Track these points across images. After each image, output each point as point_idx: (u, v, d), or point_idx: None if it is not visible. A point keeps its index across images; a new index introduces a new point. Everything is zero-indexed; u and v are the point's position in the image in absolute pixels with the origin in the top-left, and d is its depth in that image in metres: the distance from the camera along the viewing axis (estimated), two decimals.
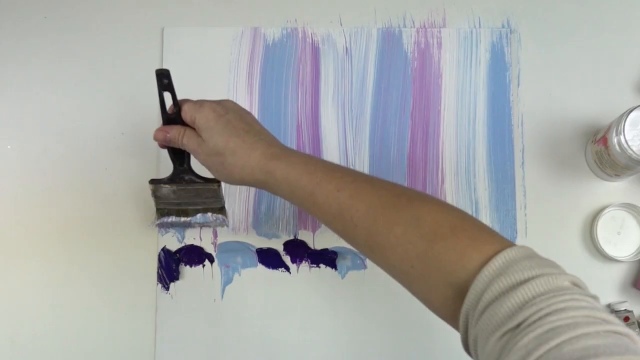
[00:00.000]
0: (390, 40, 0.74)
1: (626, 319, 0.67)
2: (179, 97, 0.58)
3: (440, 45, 0.74)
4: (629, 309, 0.68)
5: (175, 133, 0.58)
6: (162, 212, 0.67)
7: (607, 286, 0.70)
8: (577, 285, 0.42)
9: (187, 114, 0.57)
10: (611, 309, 0.68)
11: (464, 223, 0.46)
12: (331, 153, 0.72)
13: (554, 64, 0.74)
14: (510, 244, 0.44)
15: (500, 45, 0.74)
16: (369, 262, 0.70)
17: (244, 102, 0.73)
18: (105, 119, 0.74)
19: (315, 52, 0.74)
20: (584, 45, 0.74)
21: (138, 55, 0.75)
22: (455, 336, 0.69)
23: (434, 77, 0.74)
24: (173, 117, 0.58)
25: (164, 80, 0.57)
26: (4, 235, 0.71)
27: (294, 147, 0.72)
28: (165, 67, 0.74)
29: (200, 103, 0.57)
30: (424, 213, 0.46)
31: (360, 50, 0.74)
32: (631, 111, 0.62)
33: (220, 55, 0.75)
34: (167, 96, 0.58)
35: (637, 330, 0.66)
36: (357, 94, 0.73)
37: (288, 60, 0.74)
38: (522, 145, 0.72)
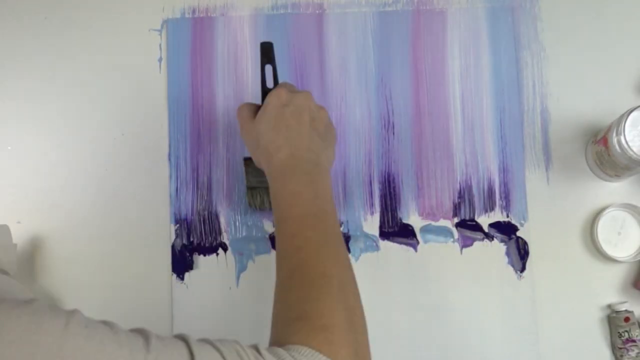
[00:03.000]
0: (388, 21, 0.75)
1: (626, 319, 0.67)
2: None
3: (443, 53, 0.74)
4: (629, 309, 0.68)
5: (245, 108, 0.60)
6: (250, 190, 0.68)
7: (607, 286, 0.70)
8: None
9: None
10: (611, 309, 0.68)
11: (339, 330, 0.46)
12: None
13: (554, 64, 0.74)
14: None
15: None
16: (381, 244, 0.70)
17: (248, 82, 0.74)
18: (105, 119, 0.74)
19: (320, 28, 0.75)
20: (584, 45, 0.74)
21: (138, 55, 0.75)
22: (470, 318, 0.70)
23: (441, 86, 0.74)
24: (270, 91, 0.59)
25: (269, 53, 0.59)
26: None
27: None
28: (167, 61, 0.74)
29: (279, 86, 0.59)
30: (322, 300, 0.47)
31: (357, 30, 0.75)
32: (631, 111, 0.62)
33: (221, 44, 0.75)
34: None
35: (637, 330, 0.66)
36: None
37: (287, 39, 0.74)
38: (522, 145, 0.72)
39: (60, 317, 0.35)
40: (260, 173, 0.63)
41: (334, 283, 0.49)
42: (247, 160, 0.67)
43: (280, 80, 0.62)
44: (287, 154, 0.55)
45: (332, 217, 0.55)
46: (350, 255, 0.71)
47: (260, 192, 0.68)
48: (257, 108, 0.60)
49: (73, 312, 0.36)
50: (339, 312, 0.47)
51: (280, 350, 0.43)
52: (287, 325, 0.47)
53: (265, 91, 0.61)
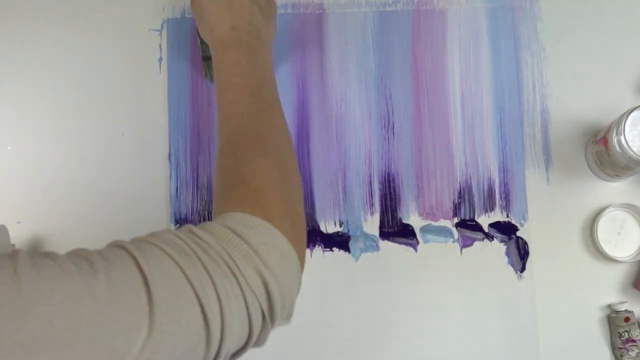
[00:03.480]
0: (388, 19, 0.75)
1: (626, 319, 0.67)
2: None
3: (443, 56, 0.74)
4: (629, 309, 0.68)
5: None
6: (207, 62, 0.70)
7: (607, 286, 0.70)
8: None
9: None
10: (611, 309, 0.69)
11: (273, 192, 0.47)
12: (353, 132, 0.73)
13: (554, 64, 0.74)
14: (279, 221, 0.44)
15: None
16: (381, 244, 0.71)
17: None
18: (105, 119, 0.74)
19: (320, 30, 0.75)
20: (584, 45, 0.74)
21: (138, 55, 0.75)
22: (470, 318, 0.70)
23: (441, 86, 0.74)
24: None
25: None
26: None
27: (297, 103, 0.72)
28: (167, 61, 0.74)
29: None
30: (257, 163, 0.48)
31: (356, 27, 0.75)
32: (631, 111, 0.62)
33: None
34: None
35: (637, 330, 0.66)
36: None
37: (290, 38, 0.74)
38: (522, 145, 0.72)
39: (5, 264, 0.33)
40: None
41: (268, 145, 0.50)
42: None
43: None
44: (228, 27, 0.58)
45: (271, 87, 0.56)
46: (350, 255, 0.71)
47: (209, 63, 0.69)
48: None
49: (16, 254, 0.34)
50: (273, 172, 0.48)
51: (211, 225, 0.42)
52: (224, 191, 0.48)
53: None
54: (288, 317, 0.45)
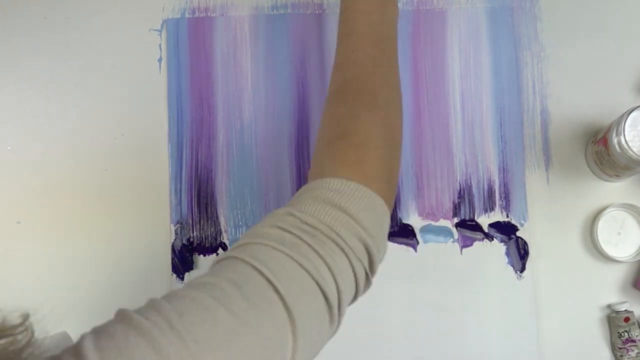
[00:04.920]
0: None
1: (626, 319, 0.67)
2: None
3: (443, 57, 0.74)
4: (629, 309, 0.68)
5: None
6: None
7: (607, 286, 0.70)
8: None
9: None
10: (611, 309, 0.69)
11: (374, 150, 0.48)
12: None
13: (554, 64, 0.74)
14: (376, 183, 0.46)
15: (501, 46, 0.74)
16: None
17: (248, 82, 0.73)
18: (105, 119, 0.74)
19: (319, 33, 0.75)
20: (584, 45, 0.74)
21: (138, 55, 0.75)
22: (470, 318, 0.69)
23: (441, 88, 0.74)
24: None
25: None
26: (3, 237, 0.71)
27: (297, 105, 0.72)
28: (167, 60, 0.74)
29: None
30: (365, 118, 0.49)
31: None
32: (631, 111, 0.62)
33: (221, 43, 0.75)
34: None
35: (637, 330, 0.66)
36: None
37: (287, 39, 0.74)
38: (522, 145, 0.72)
39: (164, 333, 0.32)
40: None
41: (379, 100, 0.51)
42: None
43: None
44: None
45: (394, 42, 0.57)
46: None
47: None
48: None
49: (160, 317, 0.33)
50: (378, 129, 0.49)
51: (309, 202, 0.44)
52: (328, 144, 0.49)
53: None
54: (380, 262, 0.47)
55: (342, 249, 0.42)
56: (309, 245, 0.41)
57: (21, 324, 0.38)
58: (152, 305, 0.35)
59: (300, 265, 0.40)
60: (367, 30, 0.55)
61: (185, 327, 0.33)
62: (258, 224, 0.43)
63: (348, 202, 0.44)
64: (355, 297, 0.45)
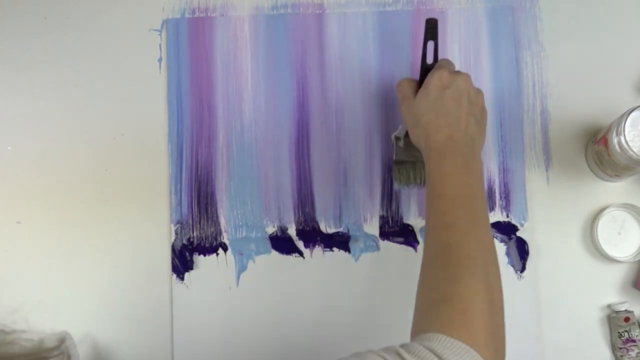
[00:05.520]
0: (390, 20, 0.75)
1: (626, 319, 0.67)
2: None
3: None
4: (629, 309, 0.68)
5: (407, 85, 0.63)
6: (397, 165, 0.68)
7: (607, 286, 0.70)
8: None
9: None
10: (611, 309, 0.69)
11: (480, 314, 0.47)
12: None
13: (554, 64, 0.74)
14: (481, 347, 0.45)
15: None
16: (382, 244, 0.71)
17: (248, 82, 0.74)
18: (105, 119, 0.74)
19: (320, 33, 0.75)
20: (584, 45, 0.74)
21: (138, 55, 0.75)
22: None
23: None
24: (429, 68, 0.62)
25: (433, 30, 0.62)
26: (3, 237, 0.71)
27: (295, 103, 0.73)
28: (167, 60, 0.74)
29: (440, 65, 0.61)
30: (466, 284, 0.49)
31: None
32: (631, 111, 0.62)
33: (221, 44, 0.75)
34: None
35: (637, 330, 0.66)
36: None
37: (287, 39, 0.74)
38: (522, 145, 0.72)
39: None
40: (409, 149, 0.65)
41: (478, 264, 0.50)
42: (397, 138, 0.67)
43: (439, 57, 0.64)
44: (445, 136, 0.58)
45: (482, 201, 0.57)
46: (350, 255, 0.71)
47: (407, 168, 0.68)
48: (416, 84, 0.63)
49: None
50: (481, 294, 0.48)
51: (417, 347, 0.44)
52: (430, 308, 0.49)
53: (425, 67, 0.63)
54: None
55: None
56: None
57: (57, 347, 0.38)
58: None
59: None
60: (455, 192, 0.55)
61: None
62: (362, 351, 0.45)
63: (453, 358, 0.43)
64: None
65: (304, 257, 0.71)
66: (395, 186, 0.70)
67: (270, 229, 0.71)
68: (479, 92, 0.62)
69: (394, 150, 0.69)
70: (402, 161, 0.68)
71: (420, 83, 0.63)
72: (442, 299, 0.48)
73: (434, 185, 0.56)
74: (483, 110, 0.62)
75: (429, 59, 0.63)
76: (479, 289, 0.49)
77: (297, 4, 0.76)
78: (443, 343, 0.44)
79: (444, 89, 0.59)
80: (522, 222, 0.71)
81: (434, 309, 0.48)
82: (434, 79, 0.60)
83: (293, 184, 0.72)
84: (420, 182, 0.68)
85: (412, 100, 0.61)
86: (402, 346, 0.45)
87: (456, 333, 0.45)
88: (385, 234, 0.71)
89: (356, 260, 0.71)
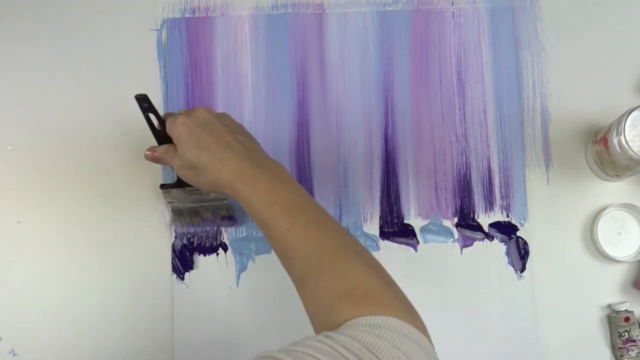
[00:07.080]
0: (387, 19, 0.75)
1: (626, 319, 0.67)
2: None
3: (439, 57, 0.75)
4: (629, 309, 0.68)
5: (161, 152, 0.61)
6: (175, 213, 0.69)
7: (607, 286, 0.70)
8: None
9: (168, 130, 0.59)
10: (611, 309, 0.69)
11: (380, 289, 0.48)
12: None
13: (554, 64, 0.74)
14: (400, 313, 0.46)
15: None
16: (382, 244, 0.71)
17: (248, 82, 0.74)
18: (105, 119, 0.74)
19: (320, 33, 0.75)
20: (584, 45, 0.74)
21: (138, 55, 0.75)
22: (470, 318, 0.69)
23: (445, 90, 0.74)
24: (162, 132, 0.61)
25: (144, 104, 0.60)
26: (3, 237, 0.71)
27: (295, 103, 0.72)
28: (167, 60, 0.74)
29: (173, 119, 0.58)
30: (350, 272, 0.48)
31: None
32: (631, 111, 0.62)
33: (221, 43, 0.75)
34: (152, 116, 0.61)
35: (637, 330, 0.67)
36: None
37: (287, 39, 0.74)
38: (522, 145, 0.72)
39: None
40: (181, 195, 0.65)
41: (350, 252, 0.50)
42: (163, 188, 0.66)
43: (162, 115, 0.62)
44: (235, 162, 0.55)
45: (310, 198, 0.55)
46: None
47: (182, 213, 0.68)
48: (163, 147, 0.61)
49: None
50: (370, 274, 0.48)
51: (346, 332, 0.43)
52: (331, 310, 0.47)
53: (157, 134, 0.62)
54: None
55: None
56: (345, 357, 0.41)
57: None
58: None
59: None
60: (283, 205, 0.53)
61: None
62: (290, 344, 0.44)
63: (382, 332, 0.43)
64: None
65: None
66: (176, 228, 0.71)
67: None
68: (222, 113, 0.61)
69: (166, 202, 0.68)
70: (178, 209, 0.68)
71: (161, 144, 0.62)
72: (339, 297, 0.47)
73: (259, 211, 0.53)
74: (238, 125, 0.61)
75: (157, 126, 0.62)
76: (364, 270, 0.48)
77: (298, 4, 0.76)
78: (366, 322, 0.43)
79: (192, 128, 0.56)
80: (522, 222, 0.71)
81: (337, 307, 0.47)
82: (176, 128, 0.57)
83: None
84: (208, 219, 0.69)
85: (177, 157, 0.58)
86: (335, 331, 0.43)
87: (372, 312, 0.44)
88: (385, 234, 0.71)
89: None
